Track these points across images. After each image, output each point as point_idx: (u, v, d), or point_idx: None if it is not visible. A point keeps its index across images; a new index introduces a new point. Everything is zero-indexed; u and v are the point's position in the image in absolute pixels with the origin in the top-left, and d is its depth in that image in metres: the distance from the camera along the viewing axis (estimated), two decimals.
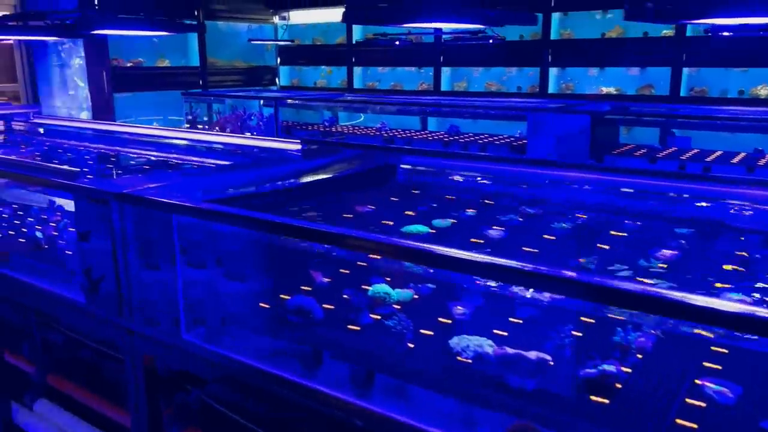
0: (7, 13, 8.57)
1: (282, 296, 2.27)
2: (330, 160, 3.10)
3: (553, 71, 8.12)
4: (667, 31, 7.33)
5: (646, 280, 1.89)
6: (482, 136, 6.22)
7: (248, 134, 4.21)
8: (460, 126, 6.58)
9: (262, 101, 8.13)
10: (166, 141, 4.03)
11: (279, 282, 2.34)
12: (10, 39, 3.23)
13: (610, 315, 1.83)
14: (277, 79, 10.18)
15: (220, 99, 7.76)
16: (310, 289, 2.32)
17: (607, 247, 2.14)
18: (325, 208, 2.63)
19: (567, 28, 7.98)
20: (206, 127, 7.55)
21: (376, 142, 6.47)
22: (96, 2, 2.91)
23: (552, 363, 1.66)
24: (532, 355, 1.63)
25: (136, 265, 2.32)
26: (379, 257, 2.31)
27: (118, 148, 3.97)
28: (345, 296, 2.23)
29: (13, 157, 2.61)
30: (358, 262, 2.44)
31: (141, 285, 2.32)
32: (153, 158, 3.62)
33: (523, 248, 2.12)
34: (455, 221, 2.43)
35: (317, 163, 3.05)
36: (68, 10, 3.17)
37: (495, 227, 2.32)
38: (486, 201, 2.67)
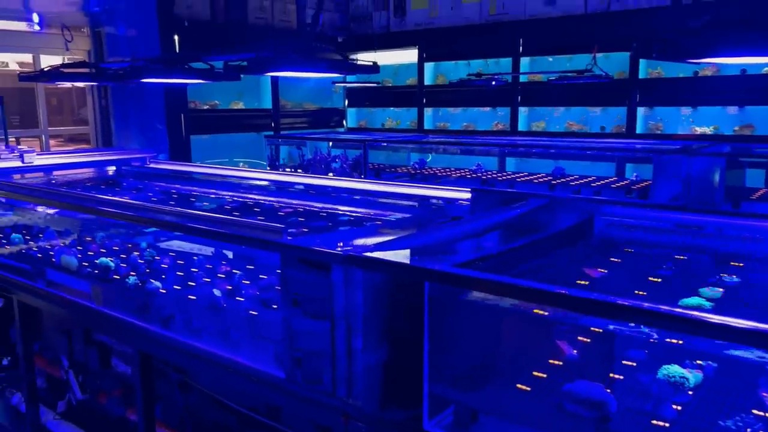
0: (81, 59, 8.59)
1: (536, 374, 1.93)
2: (518, 213, 2.79)
3: (640, 111, 7.83)
4: None
5: None
6: (590, 179, 5.90)
7: (395, 182, 3.96)
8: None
9: (330, 143, 7.95)
10: (299, 188, 3.78)
11: (525, 358, 2.01)
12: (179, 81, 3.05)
13: None
14: (344, 121, 10.03)
15: (303, 141, 7.58)
16: (561, 363, 1.98)
17: None
18: (554, 272, 2.31)
19: (656, 68, 7.71)
20: (298, 170, 7.35)
21: (475, 184, 6.19)
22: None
23: None
24: None
25: (360, 340, 2.01)
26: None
27: (251, 196, 3.72)
28: (614, 375, 1.89)
29: (211, 214, 2.35)
30: (593, 328, 2.10)
31: (366, 361, 2.01)
32: (300, 209, 3.35)
33: None
34: (721, 290, 2.08)
35: (507, 215, 2.75)
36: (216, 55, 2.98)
37: None
38: (733, 263, 2.33)
